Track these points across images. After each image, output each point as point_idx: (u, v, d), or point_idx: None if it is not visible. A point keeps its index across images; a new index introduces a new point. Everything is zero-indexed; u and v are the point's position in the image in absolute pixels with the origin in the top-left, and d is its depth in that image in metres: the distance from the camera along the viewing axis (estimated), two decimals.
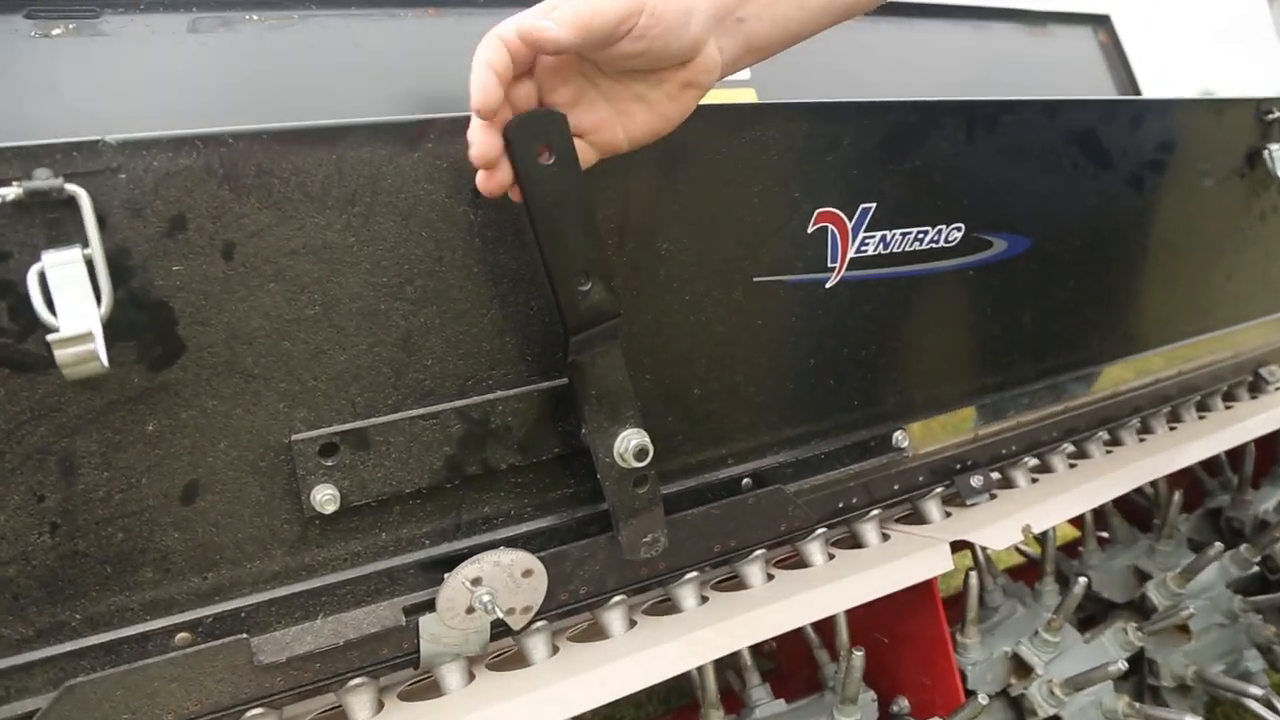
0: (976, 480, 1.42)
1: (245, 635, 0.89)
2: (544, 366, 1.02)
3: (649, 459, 0.99)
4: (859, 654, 1.15)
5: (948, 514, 1.34)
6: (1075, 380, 1.53)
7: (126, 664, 0.86)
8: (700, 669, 1.17)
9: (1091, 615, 1.67)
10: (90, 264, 0.72)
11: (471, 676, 1.06)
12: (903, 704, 1.35)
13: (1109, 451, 1.60)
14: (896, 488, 1.33)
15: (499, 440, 0.99)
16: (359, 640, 0.96)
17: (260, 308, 0.84)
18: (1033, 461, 1.51)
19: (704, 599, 1.18)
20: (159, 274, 0.79)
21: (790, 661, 1.69)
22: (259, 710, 0.94)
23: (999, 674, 1.38)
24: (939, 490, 1.39)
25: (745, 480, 1.18)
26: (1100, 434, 1.60)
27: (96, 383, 0.79)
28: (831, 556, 1.27)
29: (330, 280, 0.88)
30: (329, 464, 0.91)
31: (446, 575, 0.97)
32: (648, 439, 0.99)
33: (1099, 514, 1.65)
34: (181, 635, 0.86)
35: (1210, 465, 1.87)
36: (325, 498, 0.91)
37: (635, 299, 1.06)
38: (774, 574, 1.24)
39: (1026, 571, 1.94)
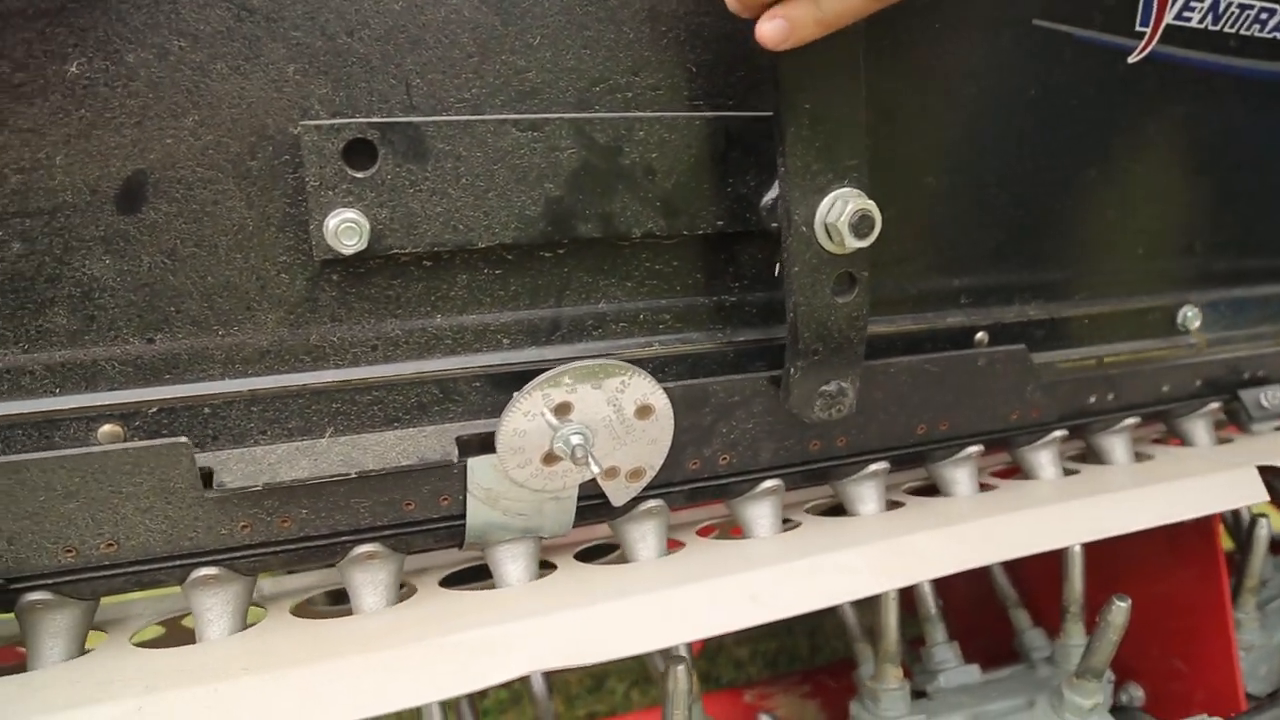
0: (1272, 396, 1.00)
1: (204, 442, 0.56)
2: (714, 85, 0.64)
3: (871, 236, 0.60)
4: (1123, 604, 0.75)
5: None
6: None
7: (13, 453, 0.53)
8: (883, 608, 0.78)
9: None
10: None
11: (541, 572, 0.69)
12: (1134, 693, 0.95)
13: None
14: (1167, 389, 0.92)
15: (631, 186, 0.61)
16: (380, 479, 0.60)
17: None
18: None
19: (892, 505, 0.80)
20: None
21: (964, 624, 1.27)
22: (210, 570, 0.59)
23: (1276, 668, 0.97)
24: (1214, 404, 0.98)
25: (979, 334, 0.79)
26: None
27: None
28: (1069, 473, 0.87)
29: None
30: (358, 175, 0.55)
31: (516, 394, 0.60)
32: (874, 205, 0.60)
33: None
34: (107, 428, 0.58)
35: None
36: (345, 228, 0.55)
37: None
38: (991, 484, 0.85)
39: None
